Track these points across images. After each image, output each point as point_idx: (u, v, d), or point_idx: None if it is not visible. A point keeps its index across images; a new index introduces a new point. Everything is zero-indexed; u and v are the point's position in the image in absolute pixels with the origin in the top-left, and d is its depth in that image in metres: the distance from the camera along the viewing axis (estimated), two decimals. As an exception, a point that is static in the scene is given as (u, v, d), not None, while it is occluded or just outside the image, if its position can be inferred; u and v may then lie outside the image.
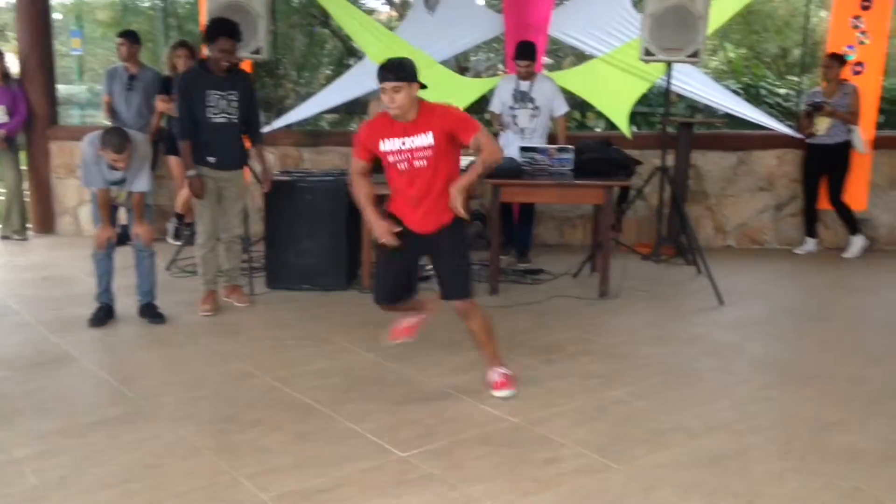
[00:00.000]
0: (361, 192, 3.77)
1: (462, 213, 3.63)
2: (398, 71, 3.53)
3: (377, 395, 3.84)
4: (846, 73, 6.97)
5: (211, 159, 5.10)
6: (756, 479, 3.03)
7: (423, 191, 3.65)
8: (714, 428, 3.50)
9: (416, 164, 3.62)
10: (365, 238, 5.80)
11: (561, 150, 5.78)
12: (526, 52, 6.31)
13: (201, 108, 5.03)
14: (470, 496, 2.90)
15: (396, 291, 3.87)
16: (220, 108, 5.05)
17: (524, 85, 6.37)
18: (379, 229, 3.69)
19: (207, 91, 5.02)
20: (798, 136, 7.11)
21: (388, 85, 3.52)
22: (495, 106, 6.51)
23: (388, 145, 3.65)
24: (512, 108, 6.39)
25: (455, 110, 3.71)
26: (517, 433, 3.44)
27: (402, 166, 3.65)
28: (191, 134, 5.06)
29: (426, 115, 3.61)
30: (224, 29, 5.00)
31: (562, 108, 6.49)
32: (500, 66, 7.62)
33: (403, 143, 3.62)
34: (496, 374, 3.88)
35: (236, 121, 5.11)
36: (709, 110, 7.92)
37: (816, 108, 6.86)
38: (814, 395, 3.89)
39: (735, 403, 3.78)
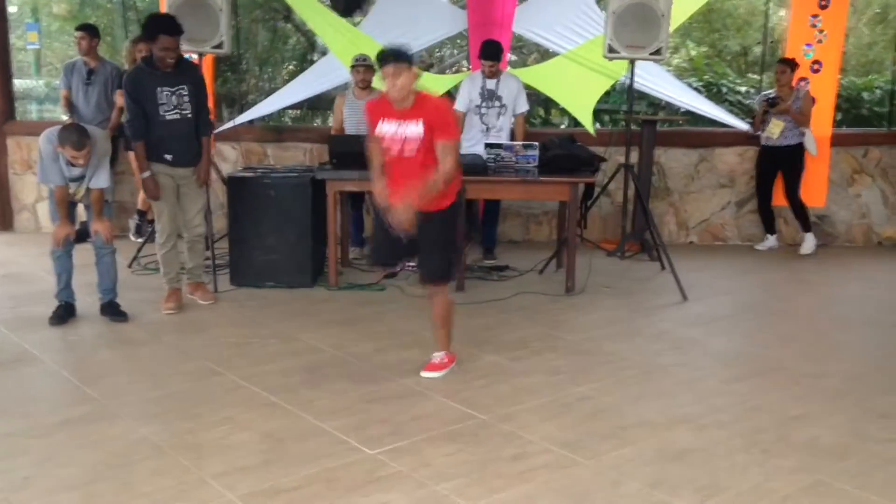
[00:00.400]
0: (373, 157, 3.95)
1: (407, 226, 3.73)
2: (399, 55, 3.64)
3: (344, 393, 3.83)
4: (805, 70, 7.09)
5: (168, 157, 5.01)
6: (720, 473, 3.07)
7: (408, 178, 3.75)
8: (678, 422, 3.54)
9: (407, 152, 3.75)
10: (330, 234, 5.77)
11: (526, 146, 5.80)
12: (491, 52, 6.32)
13: (153, 106, 4.92)
14: (438, 493, 2.90)
15: (391, 256, 4.19)
16: (172, 104, 4.96)
17: (491, 83, 6.38)
18: (379, 195, 3.86)
19: (157, 89, 4.92)
20: (753, 133, 7.19)
21: (389, 69, 3.63)
22: (461, 105, 6.51)
23: (384, 127, 3.79)
24: (479, 106, 6.41)
25: (446, 110, 3.89)
26: (484, 430, 3.44)
27: (394, 151, 3.78)
28: (143, 134, 4.97)
29: (421, 105, 3.72)
30: (162, 26, 4.88)
31: (523, 105, 6.52)
32: (465, 63, 7.63)
33: (397, 129, 3.74)
34: (436, 357, 4.07)
35: (190, 116, 5.02)
36: (671, 108, 8.01)
37: (772, 105, 6.96)
38: (776, 389, 3.96)
39: (699, 398, 3.83)
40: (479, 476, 3.03)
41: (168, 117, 4.95)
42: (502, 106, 6.41)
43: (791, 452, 3.25)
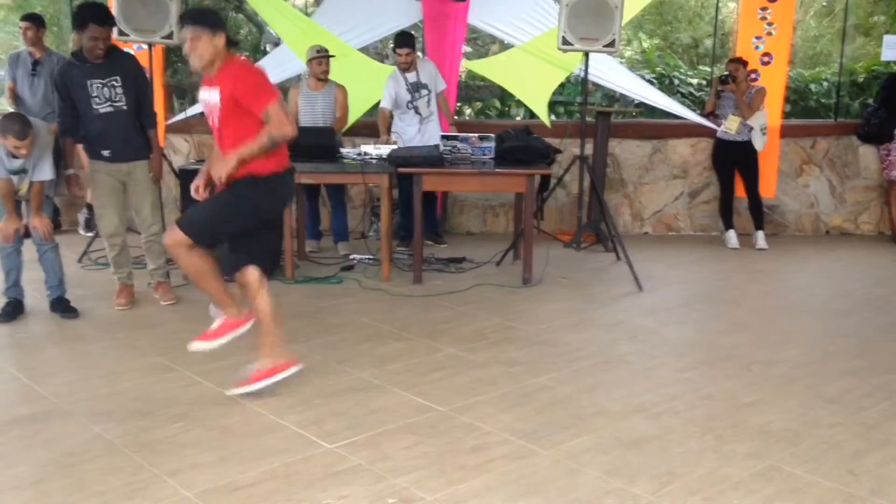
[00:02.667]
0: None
1: (221, 180, 3.48)
2: (197, 18, 3.42)
3: (301, 387, 3.80)
4: (755, 63, 7.20)
5: (105, 153, 4.87)
6: (675, 460, 3.12)
7: (223, 151, 3.55)
8: (634, 411, 3.58)
9: (213, 120, 3.55)
10: (287, 227, 5.71)
11: (482, 138, 5.81)
12: (406, 40, 6.49)
13: (84, 100, 4.77)
14: (398, 486, 2.90)
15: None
16: (105, 96, 4.79)
17: (412, 76, 6.52)
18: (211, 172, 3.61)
19: (87, 81, 4.75)
20: (705, 114, 7.26)
21: (187, 32, 3.41)
22: (386, 103, 6.54)
23: (201, 95, 3.60)
24: (411, 102, 6.54)
25: (253, 77, 3.50)
26: (443, 422, 3.45)
27: (210, 121, 3.59)
28: (71, 131, 4.86)
29: (225, 72, 3.47)
30: (91, 15, 4.71)
31: (442, 83, 6.73)
32: (420, 55, 7.59)
33: (204, 97, 3.55)
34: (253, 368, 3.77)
35: (125, 108, 4.84)
36: (625, 99, 8.09)
37: (724, 82, 7.04)
38: (729, 377, 4.02)
39: (654, 386, 3.88)
40: (439, 468, 3.04)
41: (101, 110, 4.79)
42: (429, 92, 6.58)
43: (744, 438, 3.31)
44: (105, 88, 4.80)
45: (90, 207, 6.95)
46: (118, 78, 4.81)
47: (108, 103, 4.81)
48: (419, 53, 7.24)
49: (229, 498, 2.81)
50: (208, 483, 2.89)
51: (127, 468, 3.00)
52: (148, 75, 5.44)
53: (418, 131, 6.58)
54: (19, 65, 6.72)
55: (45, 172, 4.61)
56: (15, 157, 4.48)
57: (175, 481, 2.90)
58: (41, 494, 2.82)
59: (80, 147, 5.07)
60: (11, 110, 6.65)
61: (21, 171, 4.59)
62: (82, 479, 2.92)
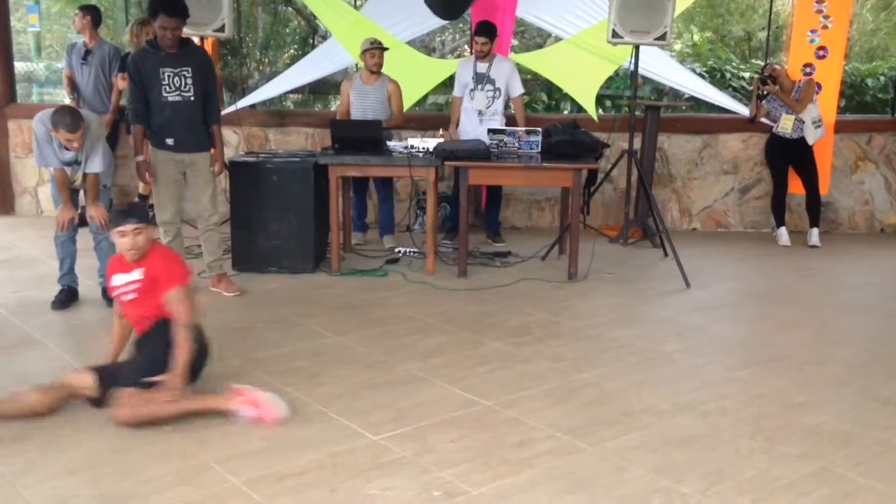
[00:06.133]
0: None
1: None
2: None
3: (347, 379, 3.82)
4: (810, 56, 7.06)
5: (169, 141, 4.96)
6: (724, 460, 3.07)
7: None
8: (683, 409, 3.54)
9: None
10: (333, 219, 5.76)
11: (529, 132, 5.78)
12: (485, 29, 6.35)
13: (155, 87, 4.88)
14: (443, 479, 2.90)
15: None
16: (174, 85, 4.89)
17: (482, 66, 6.39)
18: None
19: (159, 69, 4.87)
20: (750, 119, 7.12)
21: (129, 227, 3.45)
22: (457, 90, 6.51)
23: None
24: (472, 90, 6.43)
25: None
26: (488, 416, 3.44)
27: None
28: (142, 117, 4.94)
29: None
30: (162, 5, 4.81)
31: (519, 89, 6.52)
32: (467, 48, 7.58)
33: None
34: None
35: (192, 98, 4.94)
36: (674, 93, 7.98)
37: (763, 83, 6.90)
38: (780, 376, 3.95)
39: (703, 385, 3.82)
40: (484, 462, 3.03)
41: (170, 98, 4.90)
42: (495, 89, 6.42)
43: (795, 439, 3.25)
44: (176, 78, 4.89)
45: (142, 198, 7.07)
46: (189, 69, 4.91)
47: (177, 92, 4.91)
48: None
49: (276, 486, 2.83)
50: (256, 471, 2.93)
51: (177, 455, 3.04)
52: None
53: (479, 125, 6.37)
54: (74, 54, 6.87)
55: (96, 164, 4.67)
56: (67, 149, 4.56)
57: (223, 469, 2.94)
58: (94, 479, 2.87)
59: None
60: (69, 99, 6.82)
61: (74, 163, 4.67)
62: (134, 464, 2.98)
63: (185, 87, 4.91)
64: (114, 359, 3.68)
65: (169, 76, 4.88)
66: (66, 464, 2.98)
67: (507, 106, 6.60)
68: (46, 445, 3.12)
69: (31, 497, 2.75)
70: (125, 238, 3.46)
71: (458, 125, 6.53)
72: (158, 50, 4.89)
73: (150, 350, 3.48)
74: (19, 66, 8.64)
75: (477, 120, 6.42)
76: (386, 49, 6.37)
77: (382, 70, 6.38)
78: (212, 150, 5.18)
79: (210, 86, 5.07)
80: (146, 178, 5.04)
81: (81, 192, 4.91)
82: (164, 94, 4.89)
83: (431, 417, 3.41)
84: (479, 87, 6.41)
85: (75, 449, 3.09)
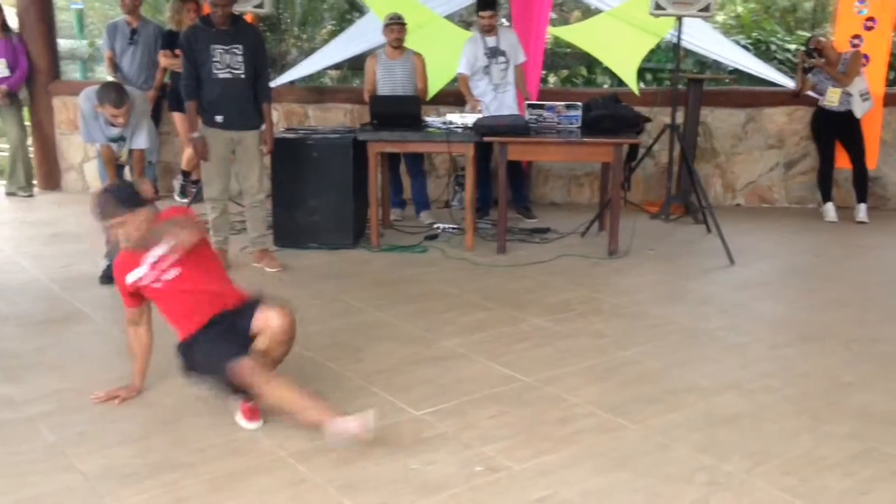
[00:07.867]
0: None
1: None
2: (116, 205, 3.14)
3: (389, 355, 3.85)
4: (858, 28, 6.88)
5: (218, 118, 5.00)
6: (770, 439, 3.04)
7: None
8: (727, 387, 3.50)
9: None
10: (372, 196, 5.77)
11: (568, 107, 5.72)
12: (489, 2, 6.29)
13: (206, 64, 4.92)
14: (485, 455, 2.91)
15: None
16: (225, 62, 4.92)
17: (491, 41, 6.35)
18: None
19: (211, 46, 4.90)
20: (796, 92, 6.99)
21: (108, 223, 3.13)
22: (464, 68, 6.42)
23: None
24: (487, 66, 6.35)
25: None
26: (529, 393, 3.44)
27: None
28: (194, 93, 4.97)
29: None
30: None
31: (522, 56, 6.49)
32: (505, 21, 7.52)
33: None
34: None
35: (243, 76, 4.96)
36: (717, 66, 7.84)
37: (809, 55, 6.78)
38: (826, 355, 3.89)
39: (747, 363, 3.78)
40: (525, 438, 3.04)
41: (220, 76, 4.92)
42: (507, 61, 6.37)
43: (842, 419, 3.20)
44: (227, 55, 4.91)
45: (185, 174, 7.15)
46: (240, 46, 4.92)
47: (228, 69, 4.93)
48: (504, 21, 7.14)
49: (321, 459, 2.87)
50: (301, 444, 2.96)
51: (226, 427, 3.09)
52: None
53: (494, 98, 6.35)
54: (117, 34, 6.91)
55: (142, 140, 4.73)
56: (113, 125, 4.62)
57: (270, 441, 2.99)
58: (144, 449, 2.94)
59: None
60: (111, 79, 6.88)
61: (120, 139, 4.73)
62: (183, 435, 3.04)
63: (235, 64, 4.93)
64: (143, 377, 3.40)
65: (220, 53, 4.90)
66: (117, 435, 3.04)
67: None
68: (98, 416, 3.19)
69: (83, 467, 2.82)
70: (114, 232, 3.16)
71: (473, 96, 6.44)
72: (210, 27, 4.92)
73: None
74: (62, 44, 8.74)
75: (492, 94, 6.38)
76: (405, 24, 6.30)
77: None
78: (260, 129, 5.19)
79: (261, 63, 5.07)
80: (205, 154, 5.03)
81: (127, 169, 4.98)
82: (215, 72, 4.92)
83: (472, 393, 3.42)
84: (493, 61, 6.35)
85: (127, 420, 3.17)
